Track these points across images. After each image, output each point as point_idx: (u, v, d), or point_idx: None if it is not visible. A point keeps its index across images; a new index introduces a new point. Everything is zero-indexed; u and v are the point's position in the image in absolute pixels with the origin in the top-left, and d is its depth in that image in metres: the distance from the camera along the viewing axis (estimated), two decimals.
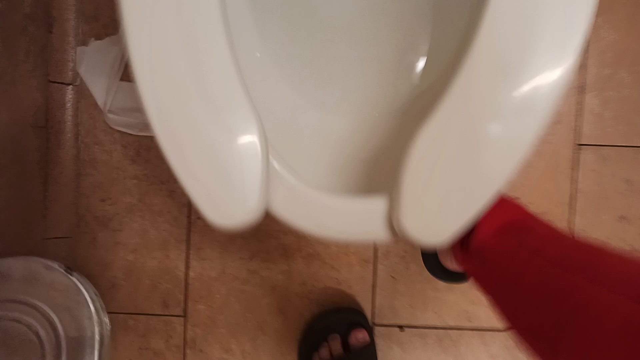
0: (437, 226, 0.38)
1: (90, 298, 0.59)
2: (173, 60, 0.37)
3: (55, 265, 0.57)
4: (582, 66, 0.75)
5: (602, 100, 0.75)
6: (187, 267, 0.77)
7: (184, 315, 0.77)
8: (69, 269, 0.57)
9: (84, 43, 0.75)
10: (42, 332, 0.55)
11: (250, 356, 0.77)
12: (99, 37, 0.75)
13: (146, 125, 0.73)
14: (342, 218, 0.40)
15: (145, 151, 0.76)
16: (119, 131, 0.75)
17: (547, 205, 0.76)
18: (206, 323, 0.77)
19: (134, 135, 0.75)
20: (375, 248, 0.77)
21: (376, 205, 0.40)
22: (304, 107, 0.49)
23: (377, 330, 0.77)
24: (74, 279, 0.58)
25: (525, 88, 0.36)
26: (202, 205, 0.38)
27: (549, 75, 0.36)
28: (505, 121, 0.36)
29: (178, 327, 0.77)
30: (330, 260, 0.77)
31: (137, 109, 0.75)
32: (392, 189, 0.39)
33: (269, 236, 0.76)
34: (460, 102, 0.37)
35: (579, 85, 0.75)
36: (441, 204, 0.37)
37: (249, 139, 0.38)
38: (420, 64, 0.52)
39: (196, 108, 0.37)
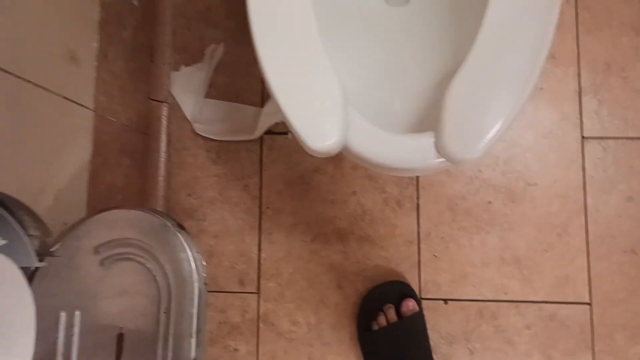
0: (473, 142, 0.52)
1: (193, 256, 0.73)
2: (283, 36, 0.54)
3: (169, 223, 0.72)
4: (578, 74, 0.92)
5: (598, 101, 0.91)
6: (259, 249, 0.91)
7: (257, 292, 0.90)
8: (180, 226, 0.72)
9: (176, 69, 0.94)
10: (159, 279, 0.69)
11: (315, 327, 0.89)
12: (187, 65, 0.95)
13: (225, 132, 0.91)
14: (403, 150, 0.56)
15: (225, 153, 0.93)
16: (203, 138, 0.93)
17: (562, 189, 0.90)
18: (276, 299, 0.90)
19: (216, 140, 0.93)
20: (418, 231, 0.90)
21: (427, 138, 0.55)
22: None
23: (424, 304, 0.89)
24: (181, 237, 0.72)
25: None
26: (299, 129, 0.53)
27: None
28: (514, 58, 0.52)
29: (252, 302, 0.90)
30: (380, 242, 0.90)
31: (219, 119, 0.93)
32: (437, 124, 0.55)
33: (326, 222, 0.91)
34: (478, 58, 0.53)
35: (577, 90, 0.91)
36: (472, 125, 0.53)
37: (333, 90, 0.54)
38: (449, 52, 0.69)
39: (298, 66, 0.54)
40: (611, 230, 0.89)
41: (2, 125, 0.55)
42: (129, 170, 0.84)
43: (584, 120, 0.91)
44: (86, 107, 0.71)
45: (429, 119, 0.63)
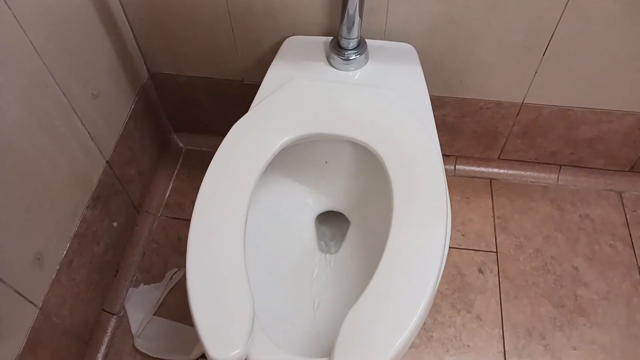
0: None
1: None
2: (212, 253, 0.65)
3: None
4: (502, 337, 0.98)
5: None
6: None
7: None
8: None
9: (136, 286, 1.03)
10: None
11: None
12: (147, 283, 1.04)
13: (163, 350, 0.95)
14: None
15: None
16: (141, 354, 0.95)
17: None
18: None
19: (153, 358, 0.95)
20: None
21: None
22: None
23: None
24: None
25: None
26: (205, 336, 0.58)
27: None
28: (399, 304, 0.60)
29: None
30: None
31: (161, 337, 0.97)
32: (331, 350, 0.60)
33: None
34: (370, 297, 0.62)
35: (502, 351, 0.97)
36: (363, 353, 0.58)
37: (245, 304, 0.61)
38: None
39: (217, 280, 0.63)
40: None
41: None
42: None
43: None
44: (34, 304, 0.78)
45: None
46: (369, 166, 0.85)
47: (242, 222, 0.68)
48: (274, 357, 0.61)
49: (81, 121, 0.85)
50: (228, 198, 0.70)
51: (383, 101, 0.79)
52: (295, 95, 0.80)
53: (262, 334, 0.62)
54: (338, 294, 0.82)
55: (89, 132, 0.88)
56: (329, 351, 0.70)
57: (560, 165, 1.18)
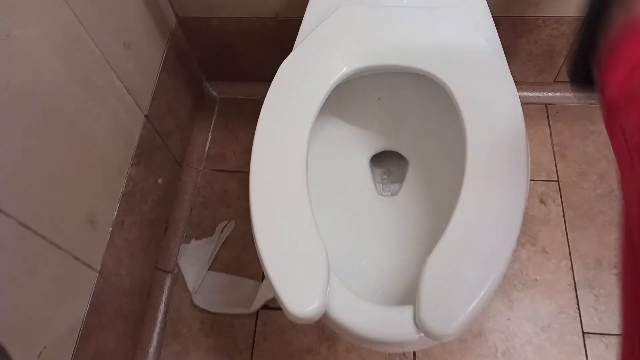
0: (450, 319, 0.53)
1: None
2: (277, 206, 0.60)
3: None
4: (571, 268, 0.94)
5: (594, 296, 0.91)
6: None
7: None
8: None
9: (187, 242, 1.01)
10: None
11: None
12: (198, 238, 1.01)
13: (222, 305, 0.93)
14: (383, 322, 0.57)
15: (218, 327, 0.93)
16: (200, 309, 0.94)
17: None
18: None
19: (212, 312, 0.94)
20: None
21: (407, 312, 0.56)
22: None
23: None
24: None
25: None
26: (282, 293, 0.55)
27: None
28: (486, 238, 0.56)
29: None
30: None
31: (218, 291, 0.96)
32: (415, 299, 0.57)
33: None
34: (453, 238, 0.57)
35: (572, 283, 0.93)
36: (449, 302, 0.54)
37: (319, 258, 0.58)
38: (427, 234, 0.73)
39: (287, 234, 0.59)
40: None
41: (10, 274, 0.59)
42: (121, 334, 0.85)
43: (582, 314, 0.91)
44: (92, 268, 0.76)
45: (411, 293, 0.65)
46: (427, 99, 0.79)
47: (303, 168, 0.63)
48: (355, 307, 0.58)
49: (116, 74, 0.80)
50: (286, 143, 0.65)
51: (443, 23, 0.71)
52: (345, 25, 0.72)
53: (339, 284, 0.58)
54: (402, 238, 0.78)
55: (125, 86, 0.83)
56: (406, 296, 0.67)
57: None
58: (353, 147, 0.85)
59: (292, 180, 0.63)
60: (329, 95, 0.70)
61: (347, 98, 0.82)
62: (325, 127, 0.80)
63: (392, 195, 0.83)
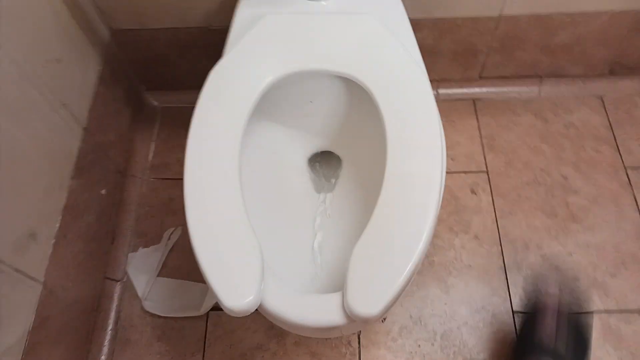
0: (374, 300, 0.58)
1: None
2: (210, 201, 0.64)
3: None
4: (501, 253, 1.01)
5: (522, 277, 0.98)
6: None
7: None
8: None
9: (135, 250, 1.02)
10: None
11: None
12: (146, 246, 1.03)
13: (172, 309, 0.95)
14: (314, 309, 0.61)
15: (170, 330, 0.95)
16: (151, 315, 0.96)
17: None
18: None
19: (163, 317, 0.96)
20: None
21: (335, 297, 0.61)
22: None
23: None
24: None
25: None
26: (218, 289, 0.58)
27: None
28: (404, 229, 0.60)
29: None
30: None
31: (168, 296, 0.98)
32: (343, 285, 0.61)
33: None
34: (374, 230, 0.62)
35: (501, 266, 1.00)
36: (373, 285, 0.59)
37: (252, 251, 0.61)
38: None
39: (221, 230, 0.62)
40: None
41: None
42: (71, 346, 0.86)
43: (512, 295, 0.97)
44: (36, 280, 0.77)
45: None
46: (356, 99, 0.83)
47: (236, 171, 0.67)
48: (286, 298, 0.61)
49: (48, 89, 0.81)
50: (218, 148, 0.69)
51: (362, 28, 0.76)
52: (270, 33, 0.76)
53: (273, 278, 0.62)
54: (338, 232, 0.82)
55: (59, 100, 0.84)
56: (339, 287, 0.71)
57: (541, 77, 1.17)
58: (290, 148, 0.89)
59: (225, 182, 0.66)
60: (263, 100, 0.74)
61: (282, 102, 0.86)
62: (262, 130, 0.84)
63: (327, 192, 0.88)
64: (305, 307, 0.61)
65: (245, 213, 0.64)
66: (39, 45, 0.81)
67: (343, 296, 0.60)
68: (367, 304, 0.58)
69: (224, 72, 0.73)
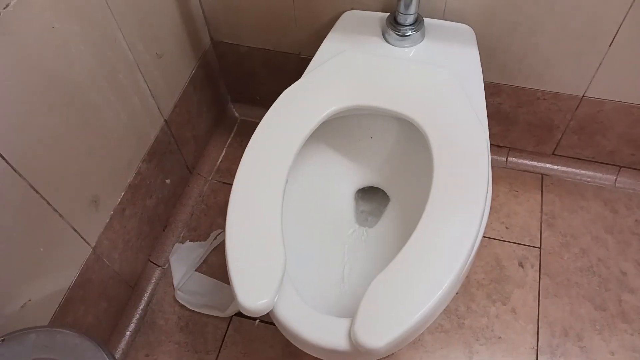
0: (380, 334, 0.58)
1: None
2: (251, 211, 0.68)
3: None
4: (536, 332, 0.96)
5: None
6: None
7: None
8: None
9: (182, 242, 1.08)
10: None
11: None
12: (192, 240, 1.09)
13: (201, 305, 0.99)
14: (320, 328, 0.62)
15: (193, 324, 0.99)
16: (180, 305, 1.01)
17: None
18: None
19: (190, 310, 1.00)
20: None
21: (342, 323, 0.62)
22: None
23: None
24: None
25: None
26: (237, 285, 0.61)
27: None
28: (430, 270, 0.61)
29: None
30: None
31: (200, 292, 1.02)
32: (355, 312, 0.62)
33: None
34: (401, 264, 0.63)
35: (534, 347, 0.95)
36: (384, 318, 0.59)
37: (277, 261, 0.64)
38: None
39: (253, 240, 0.66)
40: None
41: (12, 230, 0.68)
42: (102, 313, 0.92)
43: None
44: (87, 243, 0.84)
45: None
46: (414, 144, 0.85)
47: (281, 186, 0.71)
48: (298, 311, 0.63)
49: (144, 78, 0.91)
50: (270, 162, 0.73)
51: (434, 79, 0.78)
52: (346, 66, 0.81)
53: (291, 289, 0.64)
54: (369, 265, 0.83)
55: (150, 90, 0.93)
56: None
57: (620, 167, 1.13)
58: (342, 177, 0.92)
59: (268, 194, 0.70)
60: (327, 127, 0.78)
61: (344, 132, 0.89)
62: (318, 153, 0.88)
63: (369, 227, 0.89)
64: (312, 324, 0.62)
65: (280, 226, 0.67)
66: (151, 39, 0.91)
67: (351, 323, 0.61)
68: (373, 335, 0.59)
69: (293, 93, 0.79)
